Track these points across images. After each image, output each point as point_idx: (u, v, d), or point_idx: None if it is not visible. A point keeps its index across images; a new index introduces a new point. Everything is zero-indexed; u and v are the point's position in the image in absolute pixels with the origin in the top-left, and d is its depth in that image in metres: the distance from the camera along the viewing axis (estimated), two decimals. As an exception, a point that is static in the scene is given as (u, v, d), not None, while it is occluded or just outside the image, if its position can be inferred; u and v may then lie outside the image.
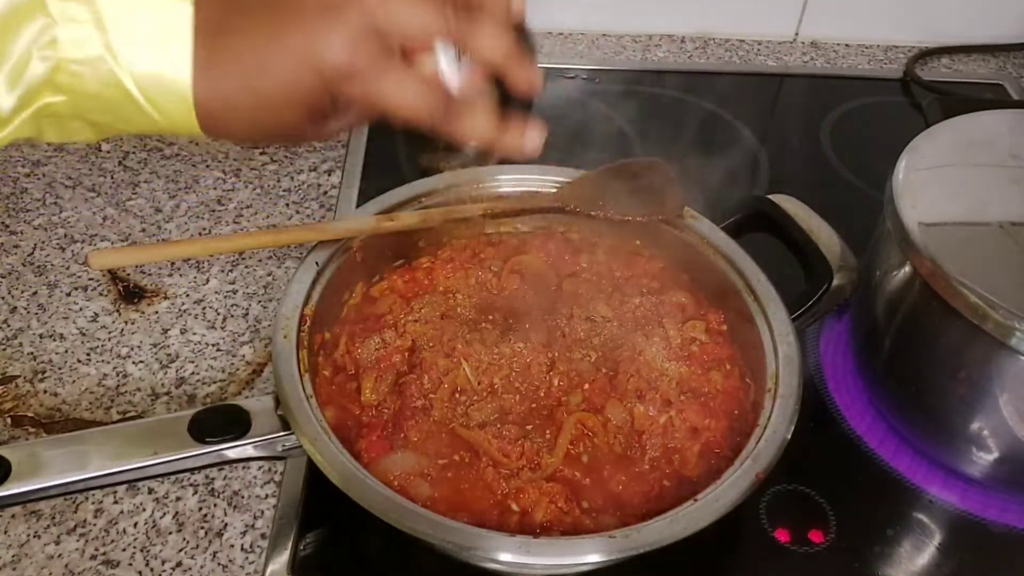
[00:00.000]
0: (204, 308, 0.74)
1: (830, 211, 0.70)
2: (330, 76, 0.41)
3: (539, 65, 0.47)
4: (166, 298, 0.75)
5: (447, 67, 0.45)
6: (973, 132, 0.66)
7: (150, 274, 0.77)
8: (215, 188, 0.85)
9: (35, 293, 0.75)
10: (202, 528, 0.59)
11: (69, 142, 0.44)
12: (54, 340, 0.71)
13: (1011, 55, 1.10)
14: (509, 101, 0.48)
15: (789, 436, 0.54)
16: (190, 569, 0.57)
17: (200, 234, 0.81)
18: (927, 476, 0.64)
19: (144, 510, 0.60)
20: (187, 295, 0.75)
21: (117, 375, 0.69)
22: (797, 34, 1.11)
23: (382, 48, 0.42)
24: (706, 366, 0.62)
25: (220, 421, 0.57)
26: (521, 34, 0.47)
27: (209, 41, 0.40)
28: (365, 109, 0.45)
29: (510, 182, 0.71)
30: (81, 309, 0.74)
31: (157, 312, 0.74)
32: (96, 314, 0.73)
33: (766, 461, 0.53)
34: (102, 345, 0.71)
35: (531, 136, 0.48)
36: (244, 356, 0.70)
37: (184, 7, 0.40)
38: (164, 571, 0.57)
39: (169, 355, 0.70)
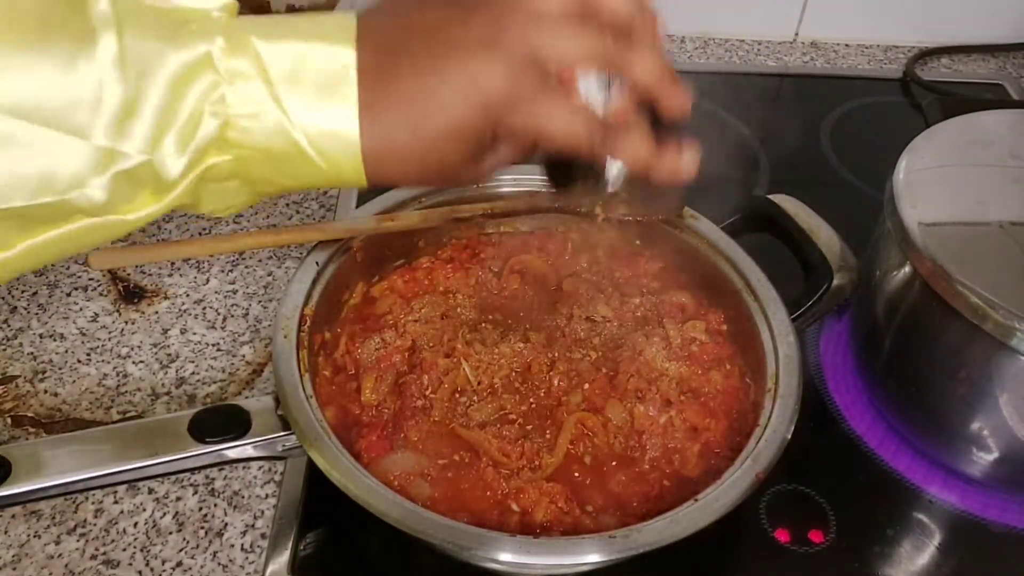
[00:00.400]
0: (204, 308, 0.74)
1: (830, 211, 0.70)
2: (495, 109, 0.41)
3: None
4: (166, 298, 0.75)
5: (601, 92, 0.45)
6: (973, 132, 0.66)
7: (150, 274, 0.77)
8: (215, 188, 0.85)
9: (35, 293, 0.75)
10: (202, 528, 0.59)
11: (224, 209, 0.44)
12: (54, 340, 0.71)
13: (1011, 55, 1.10)
14: (659, 125, 0.47)
15: (789, 436, 0.54)
16: (190, 569, 0.57)
17: (200, 234, 0.81)
18: (927, 476, 0.64)
19: (144, 510, 0.60)
20: (187, 295, 0.75)
21: (117, 375, 0.69)
22: (797, 34, 1.11)
23: (542, 76, 0.42)
24: (706, 366, 0.62)
25: (220, 421, 0.57)
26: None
27: (372, 87, 0.40)
28: (524, 140, 0.45)
29: (510, 182, 0.71)
30: (81, 309, 0.74)
31: (157, 312, 0.74)
32: (96, 314, 0.73)
33: (766, 461, 0.53)
34: (102, 345, 0.71)
35: (688, 158, 0.47)
36: (244, 356, 0.70)
37: (347, 52, 0.40)
38: (164, 571, 0.57)
39: (169, 355, 0.70)
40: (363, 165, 0.41)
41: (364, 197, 0.70)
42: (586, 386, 0.61)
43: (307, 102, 0.39)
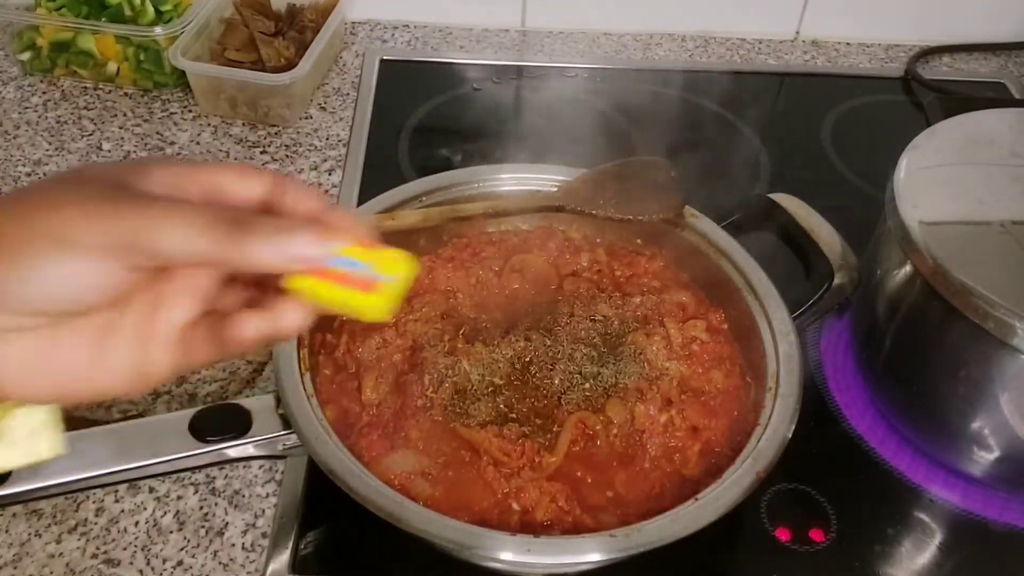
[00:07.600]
0: (205, 307, 0.74)
1: (831, 210, 0.70)
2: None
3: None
4: (167, 297, 0.75)
5: None
6: (974, 131, 0.66)
7: (151, 273, 0.76)
8: (216, 187, 0.85)
9: (36, 292, 0.75)
10: (203, 527, 0.59)
11: None
12: (55, 339, 0.71)
13: (1012, 54, 1.10)
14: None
15: (789, 435, 0.54)
16: (191, 568, 0.57)
17: (201, 233, 0.80)
18: (927, 475, 0.64)
19: (145, 509, 0.60)
20: (188, 294, 0.75)
21: (118, 374, 0.68)
22: (798, 33, 1.11)
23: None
24: (707, 365, 0.62)
25: (221, 420, 0.57)
26: None
27: None
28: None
29: (511, 181, 0.71)
30: (82, 308, 0.73)
31: (158, 311, 0.73)
32: (97, 313, 0.73)
33: (767, 460, 0.53)
34: (103, 344, 0.71)
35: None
36: (245, 355, 0.70)
37: None
38: (165, 570, 0.57)
39: (170, 354, 0.70)
40: None
41: (364, 196, 0.70)
42: (587, 385, 0.61)
43: None
